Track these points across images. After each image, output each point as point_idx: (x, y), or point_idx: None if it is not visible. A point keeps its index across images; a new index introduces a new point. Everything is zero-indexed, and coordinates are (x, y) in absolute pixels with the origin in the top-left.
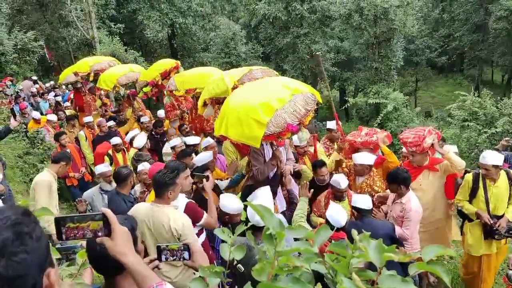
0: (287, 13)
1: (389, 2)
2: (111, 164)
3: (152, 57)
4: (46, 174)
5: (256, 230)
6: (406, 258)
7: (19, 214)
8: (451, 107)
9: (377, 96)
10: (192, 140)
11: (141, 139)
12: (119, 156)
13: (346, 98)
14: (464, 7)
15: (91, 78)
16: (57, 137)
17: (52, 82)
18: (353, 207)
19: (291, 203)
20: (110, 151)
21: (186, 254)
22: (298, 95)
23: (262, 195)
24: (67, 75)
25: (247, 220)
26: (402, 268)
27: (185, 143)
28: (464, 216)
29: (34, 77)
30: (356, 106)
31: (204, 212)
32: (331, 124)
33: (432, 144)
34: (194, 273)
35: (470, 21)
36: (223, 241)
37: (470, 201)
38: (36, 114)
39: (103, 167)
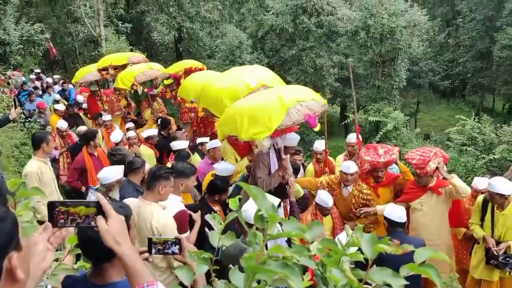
0: (294, 26)
1: (396, 22)
2: None
3: (157, 59)
4: (32, 163)
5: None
6: (399, 251)
7: None
8: (451, 130)
9: (378, 114)
10: (178, 144)
11: (117, 134)
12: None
13: (347, 114)
14: (470, 34)
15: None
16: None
17: (57, 76)
18: (385, 218)
19: (290, 215)
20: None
21: (176, 248)
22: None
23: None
24: (85, 73)
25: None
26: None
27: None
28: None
29: (38, 70)
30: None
31: (189, 230)
32: (351, 138)
33: (437, 168)
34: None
35: (475, 48)
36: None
37: (482, 225)
38: (60, 106)
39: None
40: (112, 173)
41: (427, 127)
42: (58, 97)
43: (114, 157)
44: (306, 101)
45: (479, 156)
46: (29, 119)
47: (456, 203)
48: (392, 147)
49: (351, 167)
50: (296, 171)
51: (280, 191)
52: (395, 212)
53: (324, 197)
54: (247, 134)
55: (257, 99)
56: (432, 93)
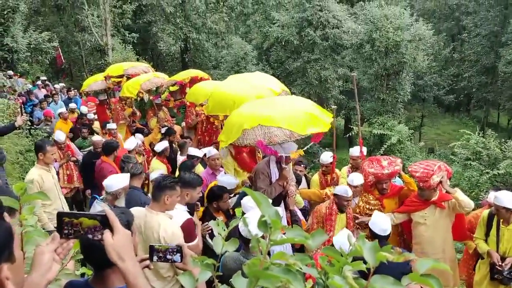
0: (299, 38)
1: (401, 36)
2: None
3: (163, 69)
4: (33, 171)
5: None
6: (400, 258)
7: None
8: (455, 145)
9: (382, 127)
10: (195, 151)
11: (131, 142)
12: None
13: (351, 127)
14: (475, 49)
15: (123, 82)
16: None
17: (62, 84)
18: (370, 230)
19: (293, 223)
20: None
21: (178, 256)
22: None
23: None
24: (91, 83)
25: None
26: None
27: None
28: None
29: (44, 78)
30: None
31: (197, 237)
32: (353, 151)
33: (441, 181)
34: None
35: (480, 63)
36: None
37: (486, 240)
38: (63, 109)
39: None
40: (117, 181)
41: (432, 141)
42: (74, 106)
43: (124, 163)
44: (269, 126)
45: (484, 171)
46: (35, 126)
47: (458, 217)
48: (395, 158)
49: (355, 180)
50: (297, 183)
51: (277, 199)
52: (378, 224)
53: (344, 188)
54: (219, 137)
55: (245, 108)
56: (437, 107)
